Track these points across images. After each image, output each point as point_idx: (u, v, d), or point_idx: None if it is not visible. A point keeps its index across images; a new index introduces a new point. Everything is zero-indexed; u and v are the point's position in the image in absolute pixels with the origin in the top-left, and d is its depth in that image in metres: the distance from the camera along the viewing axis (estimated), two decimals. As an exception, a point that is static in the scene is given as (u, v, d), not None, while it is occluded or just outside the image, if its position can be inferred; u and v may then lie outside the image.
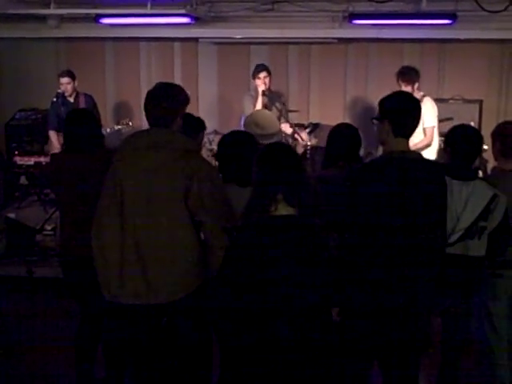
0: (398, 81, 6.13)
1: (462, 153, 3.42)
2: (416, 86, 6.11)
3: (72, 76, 7.09)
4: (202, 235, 3.04)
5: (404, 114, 2.87)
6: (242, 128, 5.60)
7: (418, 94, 5.96)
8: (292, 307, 2.49)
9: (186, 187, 2.88)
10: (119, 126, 7.10)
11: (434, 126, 6.16)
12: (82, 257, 3.50)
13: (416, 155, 2.95)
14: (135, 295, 2.94)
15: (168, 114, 3.01)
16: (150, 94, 3.08)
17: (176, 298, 2.93)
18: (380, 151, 3.53)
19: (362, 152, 4.05)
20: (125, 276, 2.94)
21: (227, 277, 2.57)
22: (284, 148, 2.73)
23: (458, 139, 3.47)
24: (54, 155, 4.22)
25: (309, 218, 2.53)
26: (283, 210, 2.53)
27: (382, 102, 2.94)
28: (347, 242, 2.74)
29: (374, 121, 2.96)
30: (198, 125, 3.94)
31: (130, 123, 7.09)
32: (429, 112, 6.04)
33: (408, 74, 6.11)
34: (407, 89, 5.96)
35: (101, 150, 3.71)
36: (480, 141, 3.51)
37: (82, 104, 7.11)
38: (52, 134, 7.18)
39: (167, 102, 3.01)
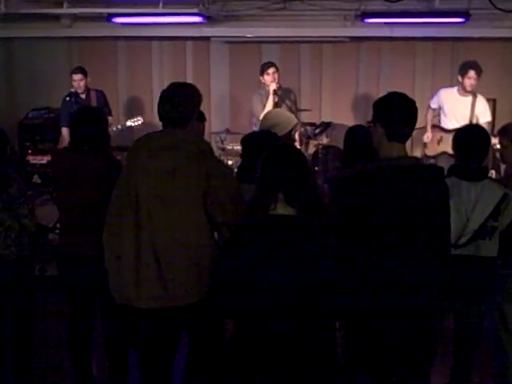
0: (466, 75, 6.23)
1: (469, 153, 3.38)
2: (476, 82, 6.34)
3: (84, 72, 7.10)
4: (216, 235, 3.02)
5: (398, 116, 2.67)
6: (254, 128, 5.58)
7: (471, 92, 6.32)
8: (285, 307, 2.49)
9: (203, 188, 2.85)
10: (130, 123, 7.10)
11: (489, 122, 6.42)
12: (78, 256, 3.52)
13: (412, 161, 2.78)
14: (152, 299, 2.91)
15: (183, 116, 2.97)
16: (163, 95, 3.03)
17: (193, 301, 2.90)
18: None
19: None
20: (141, 280, 2.90)
21: (223, 272, 2.60)
22: (289, 148, 2.76)
23: (464, 139, 3.44)
24: (54, 152, 4.10)
25: (306, 219, 2.53)
26: (282, 209, 2.53)
27: (375, 104, 2.75)
28: (347, 250, 2.64)
29: (371, 125, 2.82)
30: (200, 118, 3.93)
31: (141, 121, 7.09)
32: (484, 107, 6.37)
33: (479, 66, 6.25)
34: (471, 82, 6.22)
35: (103, 151, 3.64)
36: (487, 140, 3.48)
37: (94, 100, 7.13)
38: (64, 131, 7.20)
39: (182, 103, 2.97)
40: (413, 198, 2.62)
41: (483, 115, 6.32)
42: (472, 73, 6.22)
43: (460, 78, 6.31)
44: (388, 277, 2.63)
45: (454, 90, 6.42)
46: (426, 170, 2.79)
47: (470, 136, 3.44)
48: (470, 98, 6.33)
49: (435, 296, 2.75)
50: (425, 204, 2.64)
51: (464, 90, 6.32)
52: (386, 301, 2.65)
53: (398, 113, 2.68)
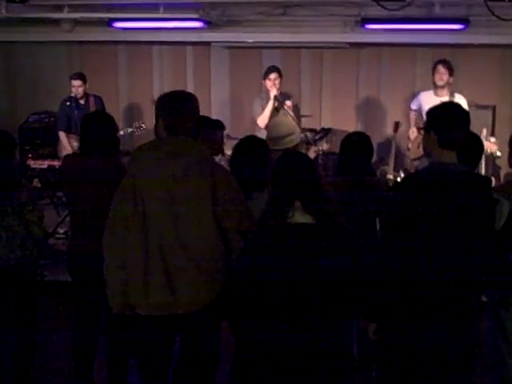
0: (436, 71, 6.45)
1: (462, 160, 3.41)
2: (451, 79, 6.50)
3: (83, 79, 7.13)
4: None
5: (451, 125, 2.78)
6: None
7: (448, 90, 6.46)
8: (303, 315, 2.47)
9: (211, 195, 2.87)
10: (132, 129, 7.11)
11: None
12: (89, 261, 3.50)
13: (463, 168, 2.85)
14: (160, 306, 2.92)
15: (174, 125, 2.99)
16: (155, 105, 3.09)
17: (200, 307, 2.92)
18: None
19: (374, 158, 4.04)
20: (150, 287, 2.90)
21: (239, 280, 2.58)
22: (299, 155, 2.79)
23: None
24: (66, 157, 4.19)
25: (326, 227, 2.51)
26: (300, 217, 2.50)
27: (429, 113, 2.89)
28: (389, 259, 2.70)
29: (422, 131, 2.95)
30: (215, 126, 3.98)
31: (143, 125, 7.10)
32: (463, 105, 6.29)
33: (449, 62, 6.47)
34: (441, 76, 6.40)
35: (114, 156, 3.70)
36: (481, 148, 3.51)
37: (93, 105, 7.15)
38: (62, 135, 7.22)
39: (168, 114, 3.00)
40: (460, 203, 2.69)
41: None
42: (440, 67, 6.40)
43: (432, 78, 6.49)
44: (432, 276, 2.71)
45: (431, 91, 6.57)
46: (474, 178, 2.90)
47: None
48: (446, 98, 6.22)
49: (474, 295, 2.85)
50: (471, 210, 2.71)
51: (436, 87, 6.44)
52: (426, 299, 2.72)
53: (450, 121, 2.80)
